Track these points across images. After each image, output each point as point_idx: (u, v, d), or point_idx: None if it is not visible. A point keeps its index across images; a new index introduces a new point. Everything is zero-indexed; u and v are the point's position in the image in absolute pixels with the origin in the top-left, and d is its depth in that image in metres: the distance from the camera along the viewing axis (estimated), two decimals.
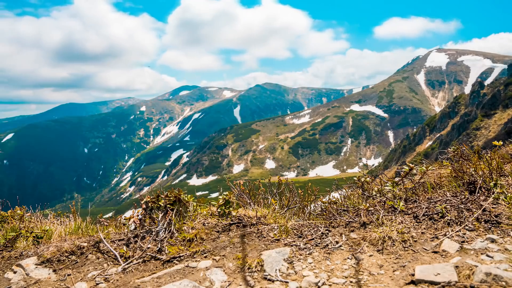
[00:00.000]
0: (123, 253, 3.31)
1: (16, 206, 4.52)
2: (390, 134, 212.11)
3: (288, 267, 2.81)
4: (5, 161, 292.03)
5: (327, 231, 3.39)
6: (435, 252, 2.78)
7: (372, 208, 3.69)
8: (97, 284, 2.89)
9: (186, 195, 3.98)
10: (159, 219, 3.68)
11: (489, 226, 3.04)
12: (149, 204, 3.83)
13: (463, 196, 3.62)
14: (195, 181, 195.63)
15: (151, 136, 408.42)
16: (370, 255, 2.89)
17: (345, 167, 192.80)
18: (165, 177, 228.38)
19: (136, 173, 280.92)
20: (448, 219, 3.21)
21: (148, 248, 3.34)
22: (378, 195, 4.08)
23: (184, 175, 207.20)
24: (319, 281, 2.55)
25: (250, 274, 2.77)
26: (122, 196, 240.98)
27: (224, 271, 2.86)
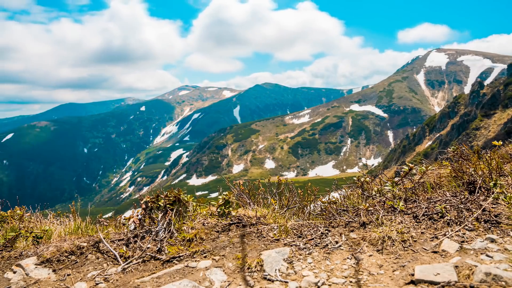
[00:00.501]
0: (123, 253, 3.31)
1: (16, 206, 4.51)
2: (390, 134, 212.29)
3: (287, 267, 2.81)
4: (4, 161, 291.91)
5: (326, 231, 3.39)
6: (435, 252, 2.78)
7: (371, 208, 3.69)
8: (97, 284, 2.88)
9: (185, 195, 3.98)
10: (159, 219, 3.68)
11: (489, 226, 3.04)
12: (149, 204, 3.83)
13: (462, 196, 3.62)
14: (194, 181, 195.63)
15: (151, 136, 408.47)
16: (370, 255, 2.89)
17: (344, 167, 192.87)
18: (165, 177, 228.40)
19: (136, 173, 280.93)
20: (447, 219, 3.21)
21: (148, 248, 3.34)
22: (377, 195, 4.08)
23: (184, 175, 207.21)
24: (318, 281, 2.55)
25: (249, 274, 2.77)
26: (121, 196, 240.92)
27: (223, 271, 2.86)
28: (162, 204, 3.81)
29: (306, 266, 2.81)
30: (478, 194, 3.57)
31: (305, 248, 3.11)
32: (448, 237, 2.94)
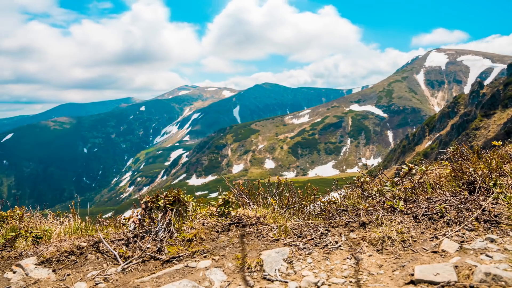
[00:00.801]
0: (123, 253, 3.31)
1: (16, 206, 4.51)
2: (390, 134, 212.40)
3: (287, 267, 2.81)
4: (4, 161, 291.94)
5: (326, 231, 3.39)
6: (435, 252, 2.78)
7: (371, 208, 3.69)
8: (97, 284, 2.88)
9: (185, 195, 3.98)
10: (159, 219, 3.68)
11: (489, 226, 3.04)
12: (149, 204, 3.83)
13: (462, 196, 3.62)
14: (194, 181, 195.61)
15: (151, 136, 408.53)
16: (370, 255, 2.89)
17: (344, 167, 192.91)
18: (165, 177, 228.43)
19: (136, 173, 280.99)
20: (447, 219, 3.21)
21: (148, 248, 3.34)
22: (377, 195, 4.08)
23: (184, 175, 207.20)
24: (318, 281, 2.55)
25: (249, 274, 2.77)
26: (121, 196, 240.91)
27: (223, 271, 2.86)
28: (161, 204, 3.81)
29: (306, 266, 2.81)
30: (478, 194, 3.57)
31: (305, 248, 3.11)
32: (448, 237, 2.94)
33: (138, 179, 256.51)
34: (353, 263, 2.80)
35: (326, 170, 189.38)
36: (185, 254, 3.19)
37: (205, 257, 3.13)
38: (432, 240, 2.96)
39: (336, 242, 3.16)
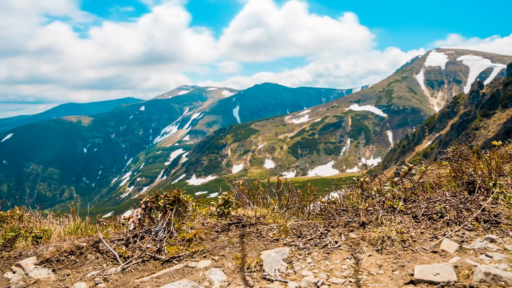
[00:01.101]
0: (122, 253, 3.31)
1: (15, 206, 4.51)
2: (389, 134, 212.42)
3: (287, 267, 2.81)
4: (4, 161, 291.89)
5: (326, 231, 3.39)
6: (434, 252, 2.78)
7: (371, 208, 3.69)
8: (96, 284, 2.88)
9: (185, 195, 3.98)
10: (158, 219, 3.68)
11: (488, 226, 3.04)
12: (148, 204, 3.83)
13: (462, 196, 3.62)
14: (194, 181, 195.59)
15: (150, 136, 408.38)
16: (369, 255, 2.89)
17: (344, 167, 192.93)
18: (164, 177, 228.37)
19: (135, 173, 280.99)
20: (447, 219, 3.21)
21: (147, 248, 3.34)
22: (377, 195, 4.08)
23: (183, 175, 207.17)
24: (318, 281, 2.55)
25: (249, 274, 2.77)
26: (121, 196, 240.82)
27: (223, 271, 2.86)
28: (161, 204, 3.81)
29: (306, 266, 2.81)
30: (477, 194, 3.58)
31: (305, 248, 3.11)
32: (447, 237, 2.94)
33: (138, 179, 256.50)
34: (353, 263, 2.80)
35: (326, 170, 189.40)
36: (185, 254, 3.19)
37: (205, 257, 3.13)
38: (432, 240, 2.96)
39: (336, 242, 3.16)
